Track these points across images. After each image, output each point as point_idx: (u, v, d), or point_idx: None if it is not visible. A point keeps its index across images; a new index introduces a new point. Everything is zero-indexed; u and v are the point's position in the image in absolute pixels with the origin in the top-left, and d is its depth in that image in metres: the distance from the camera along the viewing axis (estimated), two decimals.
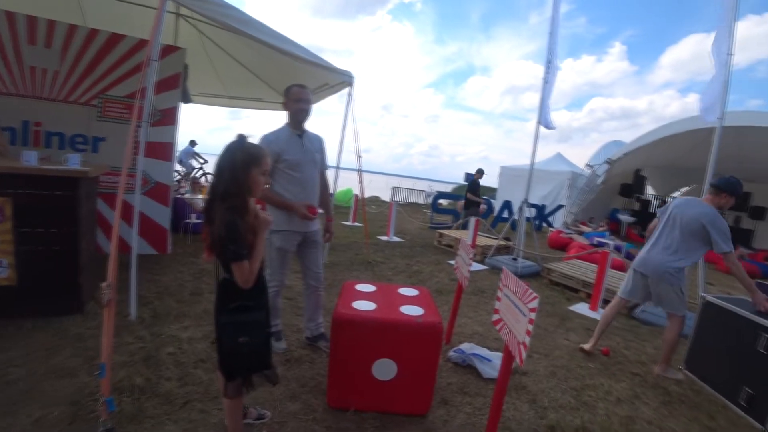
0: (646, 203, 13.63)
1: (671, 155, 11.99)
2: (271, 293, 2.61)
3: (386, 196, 18.10)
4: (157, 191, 4.76)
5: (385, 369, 2.24)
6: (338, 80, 5.41)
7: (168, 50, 4.59)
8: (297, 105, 2.71)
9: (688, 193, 15.02)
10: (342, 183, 7.70)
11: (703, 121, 4.59)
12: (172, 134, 4.89)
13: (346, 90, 5.53)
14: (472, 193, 9.01)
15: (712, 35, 4.42)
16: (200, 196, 6.24)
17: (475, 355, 2.98)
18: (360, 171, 6.11)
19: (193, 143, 11.27)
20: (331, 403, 2.32)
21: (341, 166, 5.91)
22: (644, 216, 12.99)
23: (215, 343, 1.74)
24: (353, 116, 5.52)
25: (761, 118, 8.81)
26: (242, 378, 1.72)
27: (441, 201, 13.17)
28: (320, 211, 2.95)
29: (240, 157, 1.61)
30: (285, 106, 2.76)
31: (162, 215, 4.83)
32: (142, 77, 2.92)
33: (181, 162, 10.35)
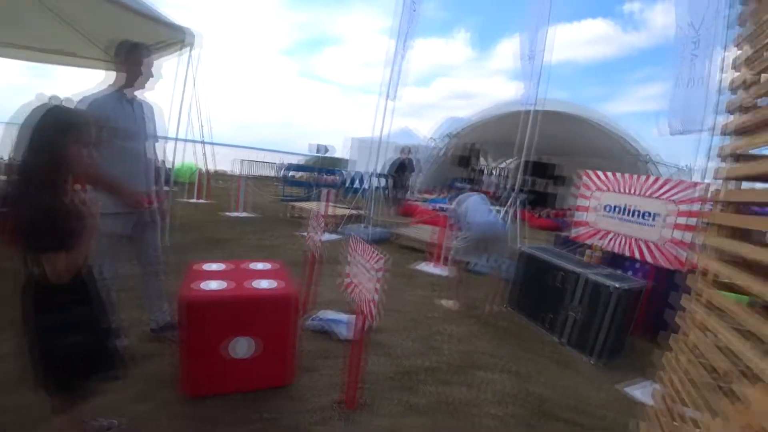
0: (480, 173, 15.92)
1: (500, 132, 14.19)
2: (104, 285, 2.28)
3: (234, 170, 17.01)
4: None
5: (243, 347, 2.21)
6: (176, 38, 4.77)
7: None
8: (147, 71, 2.43)
9: (512, 164, 18.09)
10: (182, 156, 6.97)
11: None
12: None
13: (184, 51, 4.93)
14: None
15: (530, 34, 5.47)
16: None
17: (331, 320, 3.15)
18: (203, 143, 5.63)
19: None
20: (188, 393, 2.18)
21: (180, 137, 5.37)
22: (478, 184, 15.24)
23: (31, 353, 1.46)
24: (195, 81, 4.99)
25: (563, 105, 11.48)
26: (75, 386, 1.49)
27: (292, 173, 13.03)
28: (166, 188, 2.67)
29: (54, 125, 1.35)
30: (123, 67, 2.37)
31: None
32: None
33: None
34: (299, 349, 2.77)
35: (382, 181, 12.25)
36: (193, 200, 8.62)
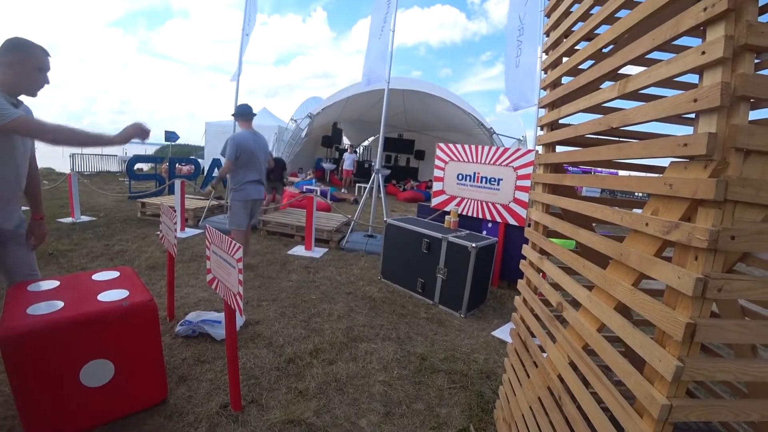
0: (344, 152, 16.22)
1: (359, 110, 14.67)
2: None
3: (64, 167, 14.31)
4: None
5: (98, 372, 1.94)
6: None
7: None
8: (41, 75, 2.05)
9: (373, 143, 18.82)
10: None
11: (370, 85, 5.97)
12: None
13: None
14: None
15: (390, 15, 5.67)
16: None
17: (204, 321, 2.97)
18: None
19: None
20: None
21: None
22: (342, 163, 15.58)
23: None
24: None
25: (419, 84, 12.57)
26: None
27: (140, 166, 11.58)
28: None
29: None
30: (12, 67, 1.96)
31: None
32: None
33: None
34: (171, 359, 2.59)
35: None
36: None
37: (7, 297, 2.03)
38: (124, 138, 2.12)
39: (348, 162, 14.17)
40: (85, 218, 6.59)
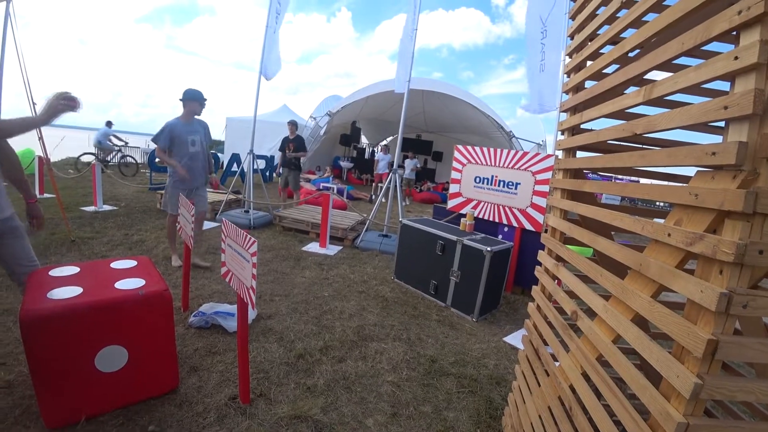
0: (362, 150, 16.27)
1: (378, 110, 14.64)
2: None
3: (88, 157, 14.74)
4: None
5: (112, 358, 1.98)
6: None
7: None
8: None
9: (391, 143, 18.80)
10: (16, 142, 5.76)
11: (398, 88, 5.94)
12: None
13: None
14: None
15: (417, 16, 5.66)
16: None
17: (217, 313, 3.00)
18: None
19: (109, 124, 11.77)
20: (52, 424, 1.89)
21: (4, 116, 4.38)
22: (361, 162, 15.54)
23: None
24: (19, 46, 4.07)
25: (440, 85, 12.38)
26: None
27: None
28: None
29: None
30: None
31: None
32: None
33: (99, 144, 11.42)
34: (183, 349, 2.62)
35: (261, 163, 11.81)
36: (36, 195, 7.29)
37: (29, 281, 2.09)
38: (49, 116, 1.98)
39: (382, 164, 11.68)
40: (107, 207, 6.74)
